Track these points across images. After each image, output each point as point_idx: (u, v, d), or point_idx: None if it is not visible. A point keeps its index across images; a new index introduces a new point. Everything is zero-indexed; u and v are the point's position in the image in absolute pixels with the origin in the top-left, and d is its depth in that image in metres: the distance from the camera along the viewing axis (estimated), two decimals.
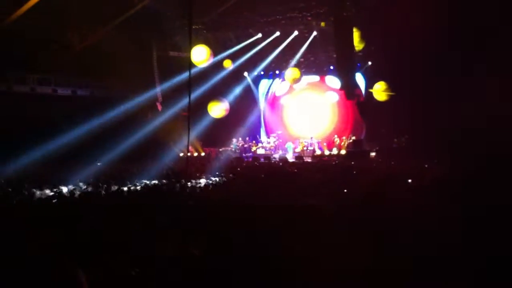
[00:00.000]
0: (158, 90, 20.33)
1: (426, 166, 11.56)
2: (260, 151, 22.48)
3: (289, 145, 21.86)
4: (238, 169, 14.13)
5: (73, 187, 10.95)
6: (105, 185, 10.56)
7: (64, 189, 10.60)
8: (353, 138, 19.56)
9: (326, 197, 5.90)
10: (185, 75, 17.55)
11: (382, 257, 2.38)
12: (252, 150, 22.61)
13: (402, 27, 16.04)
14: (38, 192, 9.72)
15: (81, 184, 11.66)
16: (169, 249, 3.18)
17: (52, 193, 9.31)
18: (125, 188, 10.03)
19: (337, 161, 16.45)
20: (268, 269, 2.22)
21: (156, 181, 11.56)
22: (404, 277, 2.30)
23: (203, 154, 22.13)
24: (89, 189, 10.41)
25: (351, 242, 2.58)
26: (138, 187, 10.42)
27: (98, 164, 16.23)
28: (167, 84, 20.17)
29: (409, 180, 7.58)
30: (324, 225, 3.33)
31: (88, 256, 3.39)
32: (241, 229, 3.72)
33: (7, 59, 15.76)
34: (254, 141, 23.30)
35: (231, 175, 11.98)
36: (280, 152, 22.08)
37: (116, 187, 10.28)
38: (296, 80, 21.64)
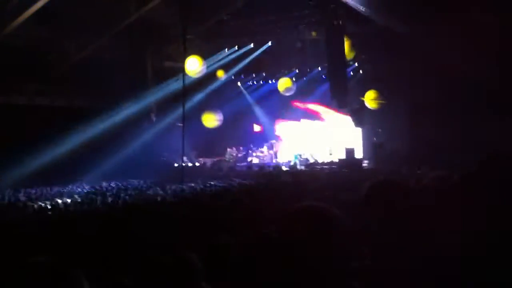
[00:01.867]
0: (152, 100, 20.36)
1: (418, 171, 11.66)
2: (255, 161, 22.51)
3: (295, 154, 21.55)
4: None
5: (68, 200, 10.98)
6: (100, 197, 10.59)
7: (60, 202, 10.63)
8: (346, 146, 19.67)
9: (324, 201, 5.92)
10: (178, 85, 17.65)
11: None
12: (248, 160, 22.64)
13: (395, 35, 16.25)
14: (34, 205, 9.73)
15: (76, 196, 11.70)
16: None
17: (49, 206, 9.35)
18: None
19: (329, 170, 16.56)
20: None
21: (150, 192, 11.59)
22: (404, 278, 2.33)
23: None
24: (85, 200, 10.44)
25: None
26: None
27: (93, 176, 16.23)
28: (161, 94, 20.22)
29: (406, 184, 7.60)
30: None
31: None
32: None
33: (3, 70, 15.68)
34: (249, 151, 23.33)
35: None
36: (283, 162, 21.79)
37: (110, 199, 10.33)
38: (288, 89, 21.79)
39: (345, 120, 21.56)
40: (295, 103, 23.61)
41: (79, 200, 10.62)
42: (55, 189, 13.46)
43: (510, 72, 13.02)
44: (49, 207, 9.41)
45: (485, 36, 13.03)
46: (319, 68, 21.89)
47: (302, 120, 23.71)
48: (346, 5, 17.22)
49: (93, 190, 12.45)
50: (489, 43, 13.23)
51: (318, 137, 22.88)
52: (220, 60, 21.88)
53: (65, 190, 13.06)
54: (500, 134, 12.43)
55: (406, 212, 2.59)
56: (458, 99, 15.07)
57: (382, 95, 19.19)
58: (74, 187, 13.74)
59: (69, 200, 10.57)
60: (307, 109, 23.41)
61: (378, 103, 19.41)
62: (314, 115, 23.42)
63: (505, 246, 2.25)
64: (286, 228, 2.17)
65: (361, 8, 16.47)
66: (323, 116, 23.14)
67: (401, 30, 15.67)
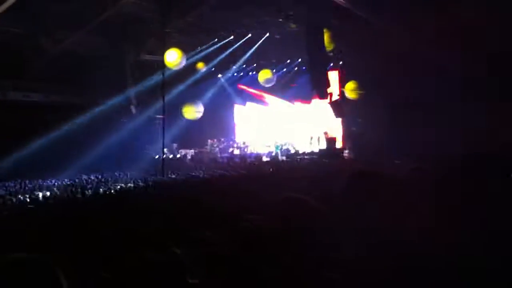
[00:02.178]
0: (132, 93, 20.22)
1: (396, 162, 11.80)
2: (236, 152, 22.57)
3: (277, 145, 21.67)
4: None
5: (48, 193, 10.89)
6: (80, 190, 10.51)
7: (40, 194, 10.54)
8: (327, 136, 19.81)
9: (304, 192, 5.99)
10: (158, 78, 17.57)
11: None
12: (230, 151, 22.68)
13: (374, 26, 16.36)
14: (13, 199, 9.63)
15: (55, 189, 11.61)
16: None
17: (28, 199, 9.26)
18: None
19: (310, 160, 16.68)
20: None
21: (132, 184, 11.54)
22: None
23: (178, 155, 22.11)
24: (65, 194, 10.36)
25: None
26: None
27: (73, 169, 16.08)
28: (141, 87, 20.09)
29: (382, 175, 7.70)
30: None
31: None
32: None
33: None
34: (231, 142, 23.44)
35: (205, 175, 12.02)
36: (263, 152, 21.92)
37: (90, 192, 10.27)
38: (268, 81, 21.87)
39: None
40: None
41: (58, 193, 10.53)
42: (34, 182, 13.32)
43: (485, 66, 13.21)
44: (28, 200, 9.32)
45: (462, 32, 13.22)
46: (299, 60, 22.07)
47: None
48: None
49: (73, 183, 12.35)
50: (465, 39, 13.42)
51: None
52: (200, 52, 21.81)
53: (44, 184, 12.94)
54: (475, 129, 12.69)
55: (385, 202, 2.64)
56: (432, 93, 15.29)
57: (361, 85, 19.37)
58: (53, 181, 13.61)
59: (48, 193, 10.49)
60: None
61: (358, 93, 19.58)
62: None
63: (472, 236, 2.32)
64: (266, 219, 2.20)
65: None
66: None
67: (378, 23, 15.80)
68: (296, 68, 23.13)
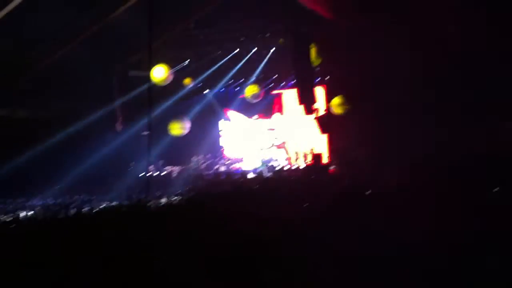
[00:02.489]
0: (117, 109, 20.12)
1: (383, 177, 11.79)
2: (222, 169, 22.50)
3: (263, 160, 21.67)
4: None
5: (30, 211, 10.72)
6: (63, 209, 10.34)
7: (22, 214, 10.36)
8: (313, 152, 19.81)
9: (287, 210, 5.96)
10: (145, 94, 17.50)
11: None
12: (215, 168, 22.60)
13: (360, 41, 16.48)
14: None
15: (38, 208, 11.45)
16: None
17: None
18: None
19: (296, 176, 16.63)
20: None
21: (115, 203, 11.39)
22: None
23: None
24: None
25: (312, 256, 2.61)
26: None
27: (57, 187, 15.90)
28: (127, 103, 19.99)
29: (368, 192, 7.70)
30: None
31: None
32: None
33: None
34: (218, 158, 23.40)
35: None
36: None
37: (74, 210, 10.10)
38: (255, 96, 21.93)
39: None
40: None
41: (41, 212, 10.35)
42: (17, 201, 13.13)
43: (469, 73, 13.33)
44: (8, 220, 9.14)
45: (445, 39, 13.37)
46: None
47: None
48: (312, 13, 17.41)
49: (56, 203, 12.18)
50: (449, 45, 13.56)
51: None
52: (187, 68, 21.83)
53: (27, 204, 12.76)
54: (460, 139, 12.77)
55: (367, 219, 2.62)
56: (420, 103, 15.37)
57: (347, 100, 19.45)
58: (36, 200, 13.43)
59: (30, 213, 10.31)
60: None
61: (345, 109, 19.66)
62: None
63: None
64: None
65: None
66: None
67: (363, 37, 15.94)
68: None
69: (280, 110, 23.14)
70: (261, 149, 22.93)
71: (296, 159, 21.24)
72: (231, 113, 24.19)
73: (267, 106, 23.44)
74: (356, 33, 16.65)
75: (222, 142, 24.53)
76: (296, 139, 22.44)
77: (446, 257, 2.35)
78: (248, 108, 23.66)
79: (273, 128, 23.19)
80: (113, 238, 5.72)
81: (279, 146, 22.67)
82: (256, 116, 23.70)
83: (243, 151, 23.78)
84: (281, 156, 22.22)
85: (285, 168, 20.38)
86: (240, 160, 23.12)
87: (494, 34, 12.35)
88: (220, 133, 24.64)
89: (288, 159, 21.89)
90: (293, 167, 20.53)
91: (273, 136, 23.02)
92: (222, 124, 24.71)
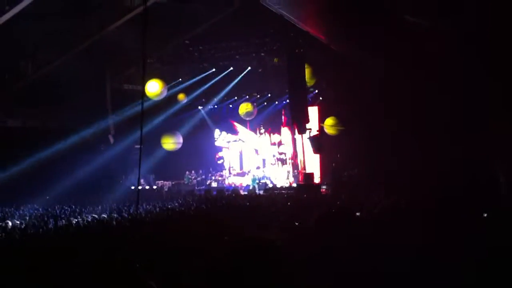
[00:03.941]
0: (110, 122, 20.08)
1: (375, 198, 11.82)
2: (214, 184, 22.46)
3: (254, 178, 21.63)
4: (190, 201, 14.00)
5: (18, 221, 10.61)
6: (52, 220, 10.25)
7: (9, 224, 10.25)
8: (304, 171, 19.86)
9: (277, 229, 5.97)
10: (138, 108, 17.49)
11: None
12: (207, 183, 22.57)
13: (352, 64, 16.69)
14: None
15: (27, 218, 11.34)
16: None
17: None
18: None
19: (287, 195, 16.63)
20: None
21: (105, 215, 11.30)
22: None
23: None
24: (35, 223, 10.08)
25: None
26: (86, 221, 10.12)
27: (47, 197, 15.77)
28: (120, 117, 19.97)
29: (358, 213, 7.71)
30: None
31: None
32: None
33: None
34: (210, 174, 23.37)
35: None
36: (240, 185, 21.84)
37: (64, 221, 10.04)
38: (249, 114, 22.00)
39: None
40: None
41: (30, 222, 10.26)
42: (6, 210, 12.99)
43: (459, 99, 13.48)
44: None
45: (434, 65, 13.55)
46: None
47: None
48: (307, 34, 17.62)
49: (45, 213, 12.07)
50: (439, 72, 13.74)
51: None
52: (181, 84, 21.91)
53: (17, 212, 12.63)
54: (450, 161, 12.87)
55: (350, 241, 2.63)
56: (409, 127, 15.52)
57: (340, 121, 19.59)
58: (26, 209, 13.29)
59: (18, 222, 10.21)
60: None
61: (337, 129, 19.78)
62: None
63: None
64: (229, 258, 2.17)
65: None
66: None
67: (355, 58, 16.15)
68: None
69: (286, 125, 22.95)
70: (258, 167, 22.77)
71: (295, 175, 21.30)
72: (239, 126, 24.06)
73: (274, 121, 23.39)
74: (349, 57, 16.89)
75: (223, 155, 24.37)
76: (291, 157, 22.46)
77: (440, 276, 2.37)
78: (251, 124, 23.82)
79: (281, 142, 23.02)
80: (102, 249, 5.69)
81: (283, 162, 22.48)
82: (262, 130, 23.59)
83: (240, 167, 23.76)
84: (278, 173, 22.16)
85: (277, 186, 20.36)
86: (242, 174, 23.12)
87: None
88: (215, 143, 24.53)
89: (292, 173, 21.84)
90: (285, 185, 20.51)
91: (278, 151, 22.86)
92: (221, 136, 24.63)
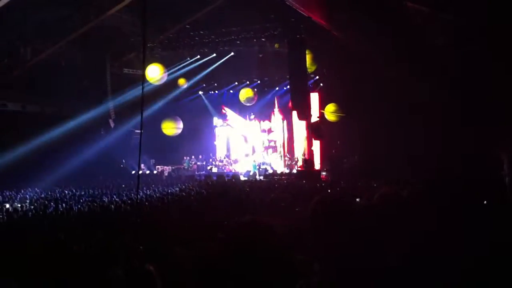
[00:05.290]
0: (111, 106, 20.05)
1: (374, 185, 11.85)
2: (214, 170, 22.46)
3: (254, 164, 21.60)
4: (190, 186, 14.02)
5: (18, 205, 10.66)
6: (52, 203, 10.30)
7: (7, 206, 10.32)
8: (304, 157, 19.83)
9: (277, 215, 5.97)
10: (138, 92, 17.44)
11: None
12: (208, 168, 22.57)
13: (354, 50, 16.61)
14: None
15: (27, 201, 11.38)
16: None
17: None
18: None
19: (287, 181, 16.65)
20: None
21: (106, 199, 11.35)
22: None
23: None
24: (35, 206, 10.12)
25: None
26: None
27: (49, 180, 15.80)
28: (120, 101, 19.93)
29: (357, 199, 7.71)
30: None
31: None
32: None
33: None
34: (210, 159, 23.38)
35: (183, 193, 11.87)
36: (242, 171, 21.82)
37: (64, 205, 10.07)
38: (249, 99, 21.94)
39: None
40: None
41: (29, 206, 10.30)
42: (7, 193, 13.03)
43: (455, 93, 13.48)
44: None
45: (433, 59, 13.55)
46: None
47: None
48: (308, 20, 17.51)
49: (46, 196, 12.10)
50: (435, 66, 13.74)
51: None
52: (181, 69, 21.81)
53: (18, 195, 12.66)
54: (446, 152, 12.90)
55: (347, 229, 2.62)
56: (407, 116, 15.54)
57: (341, 108, 19.52)
58: (27, 193, 13.33)
59: (19, 205, 10.25)
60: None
61: (337, 116, 19.72)
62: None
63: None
64: (227, 242, 2.16)
65: None
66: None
67: (356, 44, 16.09)
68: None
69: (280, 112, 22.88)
70: (254, 152, 22.85)
71: (289, 163, 21.25)
72: (228, 110, 24.01)
73: (265, 108, 23.34)
74: (350, 44, 16.80)
75: (216, 142, 24.40)
76: (289, 143, 22.42)
77: (438, 270, 2.36)
78: (243, 110, 23.70)
79: (271, 130, 23.05)
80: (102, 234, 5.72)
81: (274, 149, 22.55)
82: (252, 116, 23.55)
83: (237, 153, 23.77)
84: (274, 159, 22.16)
85: (277, 172, 20.38)
86: (234, 162, 23.08)
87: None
88: (215, 131, 24.54)
89: (284, 162, 21.81)
90: (285, 171, 20.51)
91: (268, 138, 22.90)
92: (216, 121, 24.60)
